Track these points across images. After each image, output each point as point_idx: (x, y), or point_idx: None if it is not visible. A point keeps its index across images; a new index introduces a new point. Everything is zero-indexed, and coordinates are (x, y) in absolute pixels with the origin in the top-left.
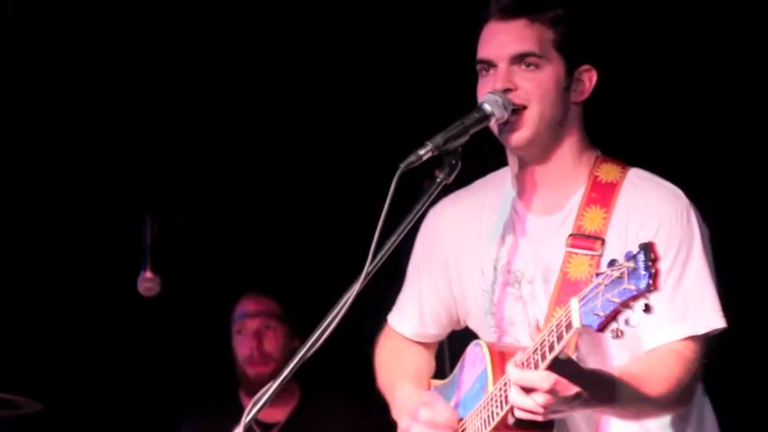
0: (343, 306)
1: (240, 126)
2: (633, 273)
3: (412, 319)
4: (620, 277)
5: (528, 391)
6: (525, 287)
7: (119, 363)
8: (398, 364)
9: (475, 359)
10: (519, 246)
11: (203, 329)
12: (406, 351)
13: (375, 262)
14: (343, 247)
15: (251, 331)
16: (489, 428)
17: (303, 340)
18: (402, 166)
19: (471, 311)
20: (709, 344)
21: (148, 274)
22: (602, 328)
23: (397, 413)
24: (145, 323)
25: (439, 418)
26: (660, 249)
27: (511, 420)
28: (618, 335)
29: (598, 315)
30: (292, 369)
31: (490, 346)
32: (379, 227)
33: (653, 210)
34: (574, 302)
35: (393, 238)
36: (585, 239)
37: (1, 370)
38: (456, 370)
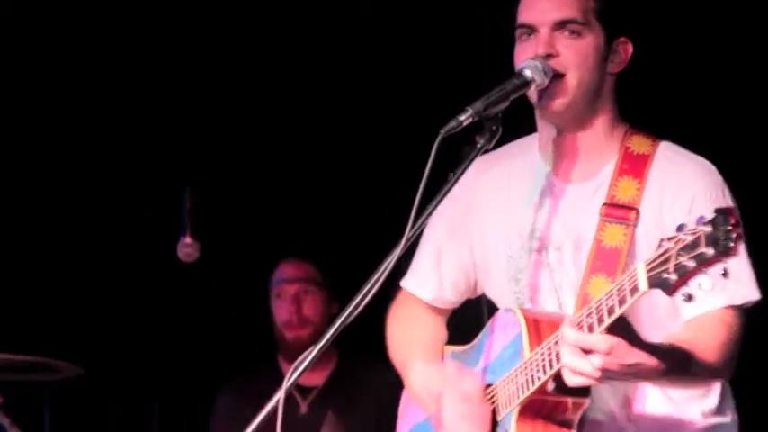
0: (384, 271)
1: (280, 93)
2: (711, 236)
3: (430, 284)
4: (696, 242)
5: (585, 353)
6: (553, 254)
7: (158, 328)
8: (412, 338)
9: (506, 324)
10: (547, 213)
11: (242, 295)
12: (419, 320)
13: (415, 228)
14: (381, 213)
15: (290, 296)
16: (527, 394)
17: (341, 306)
18: (442, 131)
19: (494, 278)
20: (744, 316)
21: (188, 240)
22: (673, 291)
23: (415, 396)
24: (184, 289)
25: (468, 390)
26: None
27: (551, 386)
28: (689, 298)
29: (669, 279)
30: (334, 333)
31: (524, 312)
32: (419, 192)
33: (687, 184)
34: (641, 266)
35: (433, 204)
36: (620, 209)
37: (41, 334)
38: (481, 336)
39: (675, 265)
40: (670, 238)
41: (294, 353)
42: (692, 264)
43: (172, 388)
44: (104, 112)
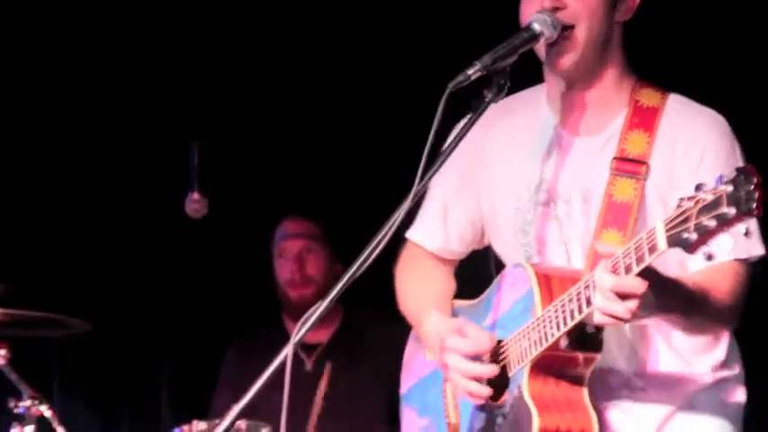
0: (392, 226)
1: (283, 49)
2: (732, 196)
3: (437, 235)
4: (717, 201)
5: (622, 297)
6: (561, 207)
7: (167, 284)
8: (420, 288)
9: (515, 280)
10: (556, 166)
11: (250, 250)
12: (428, 272)
13: (424, 182)
14: (386, 170)
15: (292, 254)
16: (540, 350)
17: (346, 263)
18: (450, 85)
19: (501, 230)
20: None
21: (196, 196)
22: (693, 249)
23: (429, 345)
24: (192, 245)
25: (474, 344)
26: (707, 176)
27: (564, 343)
28: (710, 257)
29: (689, 238)
30: (341, 289)
31: (534, 268)
32: (427, 147)
33: (698, 137)
34: (659, 225)
35: (441, 158)
36: (630, 163)
37: (50, 290)
38: (489, 291)
39: (696, 224)
40: (689, 198)
41: (298, 312)
42: (712, 223)
43: (179, 344)
44: (113, 68)
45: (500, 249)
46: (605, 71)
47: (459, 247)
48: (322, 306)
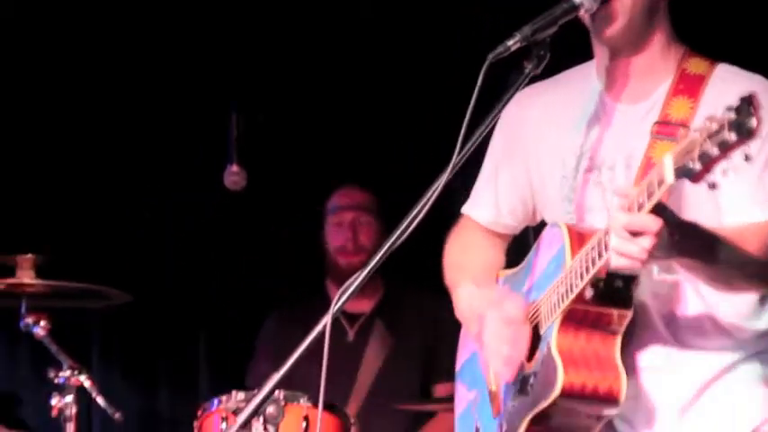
0: (431, 196)
1: (327, 16)
2: (734, 122)
3: (488, 207)
4: (720, 128)
5: (634, 235)
6: (605, 173)
7: (207, 256)
8: (465, 261)
9: (551, 240)
10: (602, 133)
11: (289, 223)
12: (475, 245)
13: (463, 153)
14: (436, 142)
15: (347, 222)
16: (566, 303)
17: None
18: (490, 56)
19: (550, 199)
20: None
21: (235, 168)
22: (697, 178)
23: (460, 313)
24: (231, 217)
25: (510, 313)
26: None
27: (588, 294)
28: (713, 186)
29: (694, 167)
30: (380, 259)
31: (568, 226)
32: (467, 118)
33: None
34: (667, 158)
35: (481, 129)
36: (671, 126)
37: (91, 262)
38: (530, 255)
39: (700, 153)
40: (696, 129)
41: (345, 279)
42: (715, 151)
43: (219, 316)
44: (153, 35)
45: (549, 219)
46: (651, 38)
47: (509, 220)
48: (362, 274)
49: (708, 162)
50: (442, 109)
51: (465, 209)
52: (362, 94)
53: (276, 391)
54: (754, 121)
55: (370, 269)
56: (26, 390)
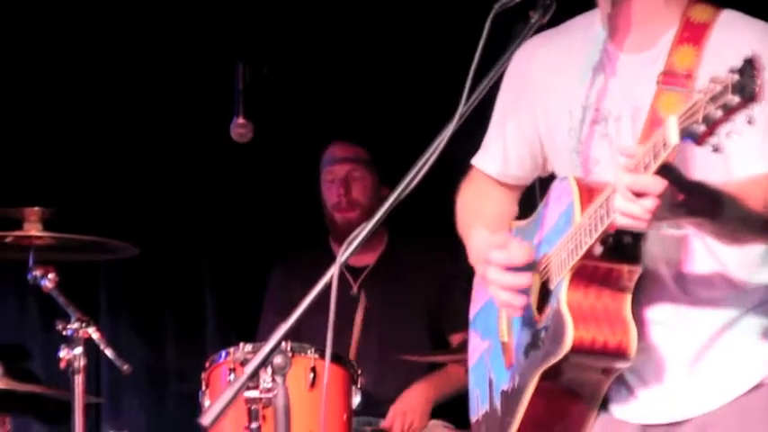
0: (436, 148)
1: None
2: (737, 84)
3: (496, 159)
4: (723, 90)
5: (638, 196)
6: (612, 125)
7: (213, 208)
8: (477, 208)
9: (561, 194)
10: (608, 84)
11: (295, 175)
12: (487, 194)
13: (469, 104)
14: (432, 94)
15: (339, 178)
16: (576, 259)
17: (390, 188)
18: (496, 6)
19: (558, 151)
20: None
21: (241, 120)
22: (701, 141)
23: (473, 259)
24: (237, 170)
25: (514, 258)
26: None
27: (598, 250)
28: (717, 148)
29: (698, 129)
30: (385, 212)
31: (578, 180)
32: (472, 69)
33: (747, 45)
34: (672, 119)
35: (486, 80)
36: (677, 76)
37: (98, 215)
38: (539, 208)
39: (704, 115)
40: (701, 90)
41: (344, 235)
42: (718, 113)
43: (225, 268)
44: None
45: (558, 171)
46: None
47: (519, 172)
48: (367, 228)
49: (711, 124)
50: (444, 62)
51: (475, 161)
52: (370, 45)
53: (283, 343)
54: (756, 85)
55: (377, 221)
56: (35, 342)
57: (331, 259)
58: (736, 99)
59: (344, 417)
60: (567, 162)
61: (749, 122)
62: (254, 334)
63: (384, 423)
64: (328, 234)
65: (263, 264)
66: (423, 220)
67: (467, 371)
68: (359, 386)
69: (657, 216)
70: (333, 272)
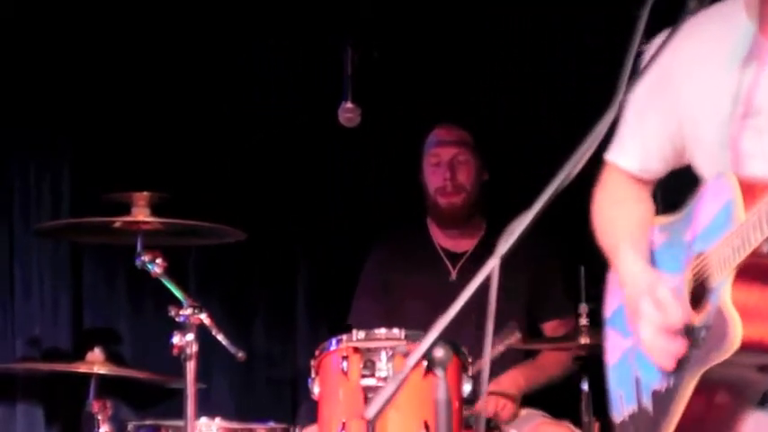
0: (596, 136)
1: None
2: None
3: (635, 154)
4: None
5: None
6: (763, 120)
7: (319, 193)
8: (617, 216)
9: (718, 191)
10: (756, 75)
11: (402, 159)
12: (626, 198)
13: (629, 90)
14: (537, 80)
15: (445, 161)
16: (742, 256)
17: (491, 173)
18: None
19: (703, 144)
20: None
21: (349, 105)
22: None
23: (627, 292)
24: (346, 154)
25: (671, 321)
26: None
27: (766, 248)
28: None
29: None
30: (544, 205)
31: (739, 177)
32: (632, 55)
33: None
34: None
35: (644, 68)
36: None
37: (205, 200)
38: (691, 204)
39: None
40: None
41: (446, 219)
42: None
43: (319, 254)
44: None
45: (702, 163)
46: None
47: (658, 164)
48: (525, 221)
49: None
50: (550, 49)
51: (610, 156)
52: (477, 29)
53: (396, 330)
54: None
55: (538, 212)
56: (149, 329)
57: (429, 242)
58: None
59: (457, 404)
60: (714, 156)
61: None
62: (346, 318)
63: (476, 406)
64: (425, 217)
65: (356, 249)
66: (520, 207)
67: (560, 362)
68: (469, 374)
69: None
70: (492, 265)
